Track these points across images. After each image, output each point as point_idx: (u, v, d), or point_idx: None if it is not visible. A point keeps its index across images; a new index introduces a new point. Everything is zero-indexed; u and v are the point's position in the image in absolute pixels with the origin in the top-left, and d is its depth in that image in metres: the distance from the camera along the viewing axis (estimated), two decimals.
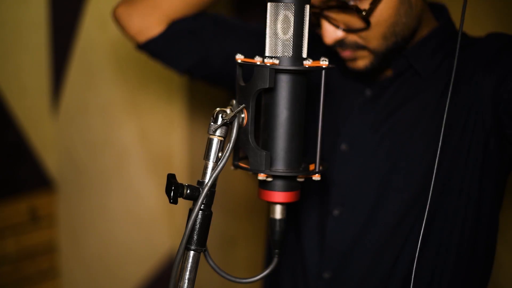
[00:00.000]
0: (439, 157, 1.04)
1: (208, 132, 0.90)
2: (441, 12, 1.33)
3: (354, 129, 1.30)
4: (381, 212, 1.27)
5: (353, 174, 1.30)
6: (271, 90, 0.95)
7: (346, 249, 1.29)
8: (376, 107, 1.29)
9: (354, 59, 1.23)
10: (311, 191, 1.34)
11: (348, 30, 1.17)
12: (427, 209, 1.04)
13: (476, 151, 1.21)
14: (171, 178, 0.92)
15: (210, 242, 0.97)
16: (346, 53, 1.22)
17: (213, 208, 0.94)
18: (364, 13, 1.12)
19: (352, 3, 1.12)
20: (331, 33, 1.17)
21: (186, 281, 0.89)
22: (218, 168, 0.89)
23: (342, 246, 1.29)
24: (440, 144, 1.03)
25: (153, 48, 1.42)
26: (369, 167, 1.28)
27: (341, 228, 1.30)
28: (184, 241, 0.87)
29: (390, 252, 1.26)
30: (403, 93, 1.28)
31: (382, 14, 1.15)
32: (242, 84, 0.96)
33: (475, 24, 1.62)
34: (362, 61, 1.23)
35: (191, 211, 0.89)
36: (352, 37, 1.18)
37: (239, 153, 1.03)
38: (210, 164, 0.91)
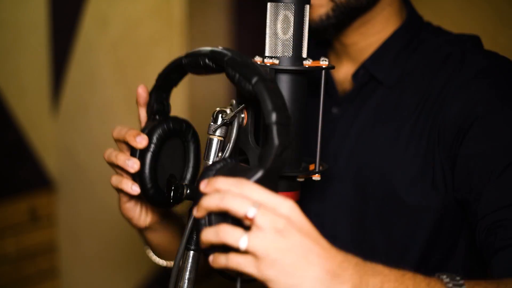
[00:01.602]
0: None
1: (208, 132, 0.90)
2: (406, 5, 1.22)
3: (325, 154, 1.17)
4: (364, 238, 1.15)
5: (329, 203, 1.18)
6: None
7: None
8: (341, 127, 1.18)
9: (318, 5, 1.11)
10: None
11: None
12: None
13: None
14: (171, 178, 0.92)
15: None
16: None
17: None
18: None
19: None
20: None
21: (186, 281, 0.89)
22: None
23: None
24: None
25: None
26: (343, 195, 1.17)
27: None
28: (184, 241, 0.87)
29: None
30: (368, 108, 1.17)
31: None
32: None
33: (475, 24, 1.62)
34: (318, 10, 1.11)
35: (191, 211, 0.89)
36: None
37: (239, 153, 1.03)
38: None
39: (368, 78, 1.18)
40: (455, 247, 1.12)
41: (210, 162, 0.90)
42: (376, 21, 1.18)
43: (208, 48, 0.88)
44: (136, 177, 0.95)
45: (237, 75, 0.81)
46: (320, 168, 0.99)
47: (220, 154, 0.90)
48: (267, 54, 0.95)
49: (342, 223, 1.17)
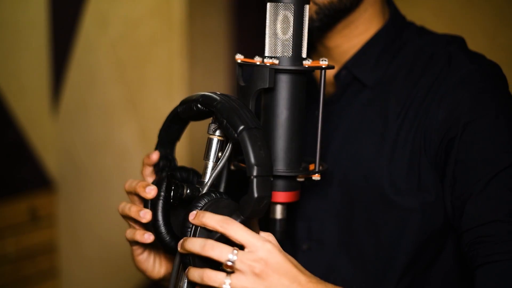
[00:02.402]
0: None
1: (208, 132, 0.90)
2: (389, 4, 1.20)
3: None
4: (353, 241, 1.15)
5: (316, 206, 1.17)
6: (271, 90, 0.95)
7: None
8: (326, 129, 1.14)
9: None
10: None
11: None
12: None
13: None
14: (171, 178, 0.92)
15: None
16: None
17: None
18: None
19: None
20: None
21: (186, 281, 0.89)
22: (218, 168, 0.90)
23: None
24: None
25: None
26: (329, 198, 1.16)
27: (312, 264, 1.14)
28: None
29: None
30: (353, 110, 1.16)
31: None
32: (242, 84, 0.96)
33: (475, 24, 1.62)
34: (314, 7, 1.09)
35: (190, 211, 0.89)
36: None
37: (239, 153, 1.03)
38: (210, 164, 0.91)
39: (351, 80, 1.16)
40: (443, 248, 1.12)
41: (210, 162, 0.91)
42: (359, 22, 1.16)
43: (199, 93, 0.89)
44: (150, 226, 0.93)
45: (224, 122, 0.85)
46: (320, 168, 0.99)
47: (220, 154, 0.91)
48: (267, 54, 0.95)
49: (329, 227, 1.16)
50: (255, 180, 0.81)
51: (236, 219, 0.83)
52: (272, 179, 0.85)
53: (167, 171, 0.93)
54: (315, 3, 1.08)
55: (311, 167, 1.01)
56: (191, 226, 0.84)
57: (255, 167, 0.81)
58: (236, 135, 0.83)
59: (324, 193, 1.16)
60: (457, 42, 1.15)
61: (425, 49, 1.14)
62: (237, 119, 0.83)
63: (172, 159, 1.00)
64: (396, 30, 1.17)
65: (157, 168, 0.99)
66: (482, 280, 0.94)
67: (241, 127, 0.83)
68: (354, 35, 1.17)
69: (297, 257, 1.17)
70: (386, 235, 1.11)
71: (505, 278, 0.93)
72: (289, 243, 1.21)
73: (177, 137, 0.99)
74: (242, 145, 0.82)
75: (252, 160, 0.81)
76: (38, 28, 2.29)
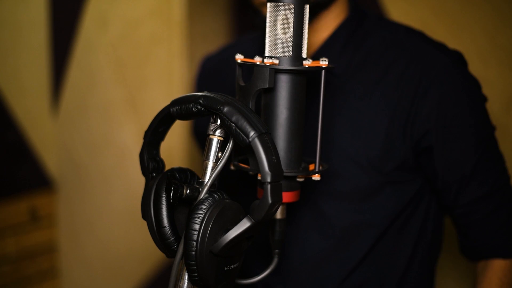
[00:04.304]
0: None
1: (207, 132, 0.90)
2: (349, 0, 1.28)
3: None
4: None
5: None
6: (271, 90, 0.95)
7: None
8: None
9: None
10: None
11: None
12: None
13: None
14: (171, 177, 0.92)
15: None
16: None
17: None
18: None
19: None
20: None
21: (186, 281, 0.89)
22: (218, 168, 0.89)
23: None
24: None
25: None
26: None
27: (288, 250, 1.24)
28: (184, 241, 0.87)
29: None
30: (322, 99, 1.20)
31: None
32: (242, 84, 0.96)
33: (475, 24, 1.62)
34: None
35: (190, 209, 0.89)
36: None
37: (239, 153, 1.03)
38: (210, 164, 0.91)
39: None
40: (415, 211, 1.26)
41: (210, 162, 0.91)
42: (328, 17, 1.23)
43: (197, 94, 0.89)
44: (152, 227, 0.91)
45: (233, 126, 0.85)
46: (320, 168, 0.99)
47: (220, 154, 0.91)
48: (267, 54, 0.95)
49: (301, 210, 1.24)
50: (269, 186, 0.83)
51: (247, 223, 0.84)
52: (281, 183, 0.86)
53: (168, 171, 0.93)
54: None
55: (311, 167, 1.01)
56: (197, 229, 0.84)
57: (270, 174, 0.83)
58: (248, 141, 0.84)
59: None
60: (417, 32, 1.27)
61: (388, 38, 1.23)
62: (248, 124, 0.84)
63: (160, 160, 0.99)
64: (357, 21, 1.25)
65: (147, 170, 0.98)
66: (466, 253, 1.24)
67: (253, 133, 0.84)
68: (323, 29, 1.24)
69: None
70: (368, 206, 1.23)
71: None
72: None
73: (162, 138, 0.98)
74: (255, 150, 0.83)
75: (266, 167, 0.83)
76: (38, 28, 2.29)
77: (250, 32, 1.56)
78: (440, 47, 1.23)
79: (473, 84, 1.21)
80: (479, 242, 1.22)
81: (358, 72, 1.21)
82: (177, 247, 0.89)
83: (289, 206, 1.06)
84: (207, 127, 0.90)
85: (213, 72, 1.47)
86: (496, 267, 1.21)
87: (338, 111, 1.21)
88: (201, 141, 1.50)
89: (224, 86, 1.34)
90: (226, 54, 1.46)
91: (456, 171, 1.19)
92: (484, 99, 1.22)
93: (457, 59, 1.22)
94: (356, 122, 1.20)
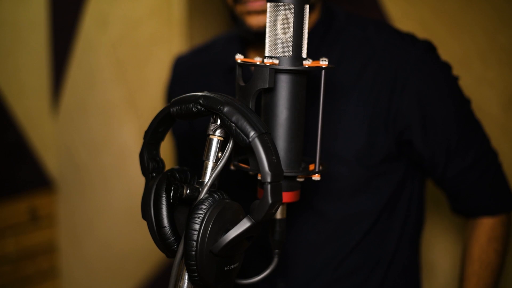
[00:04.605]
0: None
1: (207, 132, 0.90)
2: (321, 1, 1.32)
3: None
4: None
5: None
6: (271, 90, 0.95)
7: None
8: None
9: (263, 12, 1.19)
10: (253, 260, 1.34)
11: None
12: None
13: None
14: (171, 177, 0.91)
15: None
16: (255, 4, 1.18)
17: None
18: None
19: None
20: None
21: (186, 281, 0.89)
22: (218, 168, 0.89)
23: None
24: None
25: None
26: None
27: (286, 246, 1.30)
28: (184, 241, 0.87)
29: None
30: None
31: None
32: (242, 84, 0.96)
33: (475, 24, 1.62)
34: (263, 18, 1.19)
35: (191, 207, 0.89)
36: None
37: (239, 153, 1.03)
38: (210, 164, 0.91)
39: None
40: (401, 194, 1.33)
41: (210, 162, 0.91)
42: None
43: (197, 94, 0.89)
44: (157, 235, 0.91)
45: (233, 126, 0.85)
46: (320, 168, 0.99)
47: (220, 154, 0.91)
48: (267, 54, 0.95)
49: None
50: (269, 186, 0.83)
51: (247, 223, 0.84)
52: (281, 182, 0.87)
53: (168, 171, 0.93)
54: None
55: (311, 167, 1.01)
56: (197, 229, 0.84)
57: (270, 174, 0.83)
58: (248, 141, 0.84)
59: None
60: (386, 26, 1.33)
61: (359, 35, 1.28)
62: (248, 124, 0.84)
63: (160, 160, 0.99)
64: (328, 22, 1.29)
65: (147, 171, 0.98)
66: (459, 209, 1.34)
67: (253, 133, 0.84)
68: None
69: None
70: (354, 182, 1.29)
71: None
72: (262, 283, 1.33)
73: (161, 138, 0.98)
74: (255, 151, 0.83)
75: (266, 167, 0.83)
76: (38, 28, 2.29)
77: (225, 31, 1.56)
78: (410, 39, 1.28)
79: (446, 68, 1.28)
80: (468, 204, 1.31)
81: (335, 72, 1.26)
82: (177, 247, 0.89)
83: (288, 206, 1.06)
84: (207, 127, 0.90)
85: (184, 76, 1.47)
86: (484, 225, 1.30)
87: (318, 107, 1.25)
88: (179, 140, 1.52)
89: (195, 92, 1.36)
90: (199, 58, 1.47)
91: (441, 151, 1.26)
92: (456, 78, 1.30)
93: (428, 48, 1.27)
94: (339, 121, 1.25)
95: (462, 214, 1.35)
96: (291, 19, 0.93)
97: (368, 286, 1.33)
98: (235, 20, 1.26)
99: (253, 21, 1.21)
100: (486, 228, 1.31)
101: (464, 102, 1.30)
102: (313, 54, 1.21)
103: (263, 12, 1.19)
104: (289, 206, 1.25)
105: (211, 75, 1.41)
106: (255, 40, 1.26)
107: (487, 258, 1.29)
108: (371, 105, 1.24)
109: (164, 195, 0.89)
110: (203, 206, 0.85)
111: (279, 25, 0.94)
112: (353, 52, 1.27)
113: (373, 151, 1.25)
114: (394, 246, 1.34)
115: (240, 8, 1.22)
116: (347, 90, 1.25)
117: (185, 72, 1.48)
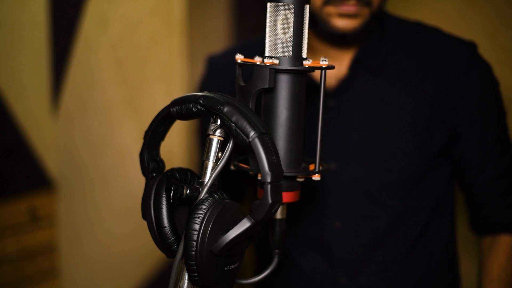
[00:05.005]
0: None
1: (207, 132, 0.90)
2: None
3: (340, 145, 1.35)
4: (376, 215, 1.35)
5: (343, 187, 1.35)
6: (271, 90, 0.95)
7: (357, 257, 1.36)
8: (343, 117, 1.34)
9: (355, 16, 1.24)
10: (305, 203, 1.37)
11: None
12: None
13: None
14: (171, 177, 0.91)
15: None
16: (351, 8, 1.23)
17: None
18: None
19: None
20: None
21: (186, 281, 0.89)
22: (218, 168, 0.89)
23: (353, 255, 1.36)
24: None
25: None
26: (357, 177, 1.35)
27: (348, 239, 1.35)
28: (184, 241, 0.87)
29: (399, 243, 1.36)
30: (363, 96, 1.33)
31: None
32: (242, 84, 0.96)
33: (475, 24, 1.62)
34: (357, 21, 1.25)
35: (190, 209, 0.89)
36: None
37: (239, 153, 1.03)
38: (210, 164, 0.91)
39: (357, 68, 1.33)
40: (448, 190, 1.40)
41: (210, 162, 0.91)
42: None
43: (197, 94, 0.89)
44: (157, 235, 0.91)
45: (233, 126, 0.85)
46: (320, 168, 0.99)
47: (220, 154, 0.91)
48: (267, 54, 0.95)
49: (353, 199, 1.34)
50: (269, 186, 0.83)
51: (247, 223, 0.84)
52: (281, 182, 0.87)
53: (168, 171, 0.93)
54: (370, 12, 1.26)
55: (311, 167, 1.01)
56: (197, 229, 0.84)
57: (270, 174, 0.83)
58: (248, 141, 0.84)
59: (350, 171, 1.35)
60: (437, 29, 1.38)
61: (414, 38, 1.34)
62: (248, 124, 0.84)
63: (160, 160, 0.99)
64: (377, 20, 1.33)
65: (147, 170, 0.98)
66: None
67: (253, 133, 0.84)
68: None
69: (330, 235, 1.36)
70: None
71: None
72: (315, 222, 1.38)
73: (162, 138, 0.98)
74: (255, 151, 0.84)
75: (266, 167, 0.83)
76: (38, 28, 2.29)
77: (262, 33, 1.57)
78: (461, 41, 1.36)
79: (491, 70, 1.35)
80: (490, 219, 1.33)
81: (394, 69, 1.32)
82: (177, 247, 0.89)
83: (290, 205, 1.07)
84: (207, 127, 0.90)
85: (221, 75, 1.47)
86: (503, 242, 1.32)
87: (382, 103, 1.32)
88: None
89: (233, 90, 1.37)
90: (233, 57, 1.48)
91: (479, 152, 1.31)
92: (498, 83, 1.36)
93: (476, 49, 1.35)
94: (402, 114, 1.31)
95: (481, 231, 1.37)
96: (291, 19, 0.93)
97: (427, 280, 1.37)
98: (316, 20, 1.28)
99: (341, 23, 1.25)
100: (506, 246, 1.32)
101: (503, 109, 1.35)
102: (374, 48, 1.32)
103: (355, 16, 1.24)
104: (347, 201, 1.32)
105: None
106: (337, 42, 1.31)
107: (507, 277, 1.30)
108: (431, 100, 1.29)
109: (164, 195, 0.89)
110: (203, 206, 0.85)
111: (279, 25, 0.94)
112: (412, 52, 1.33)
113: (432, 142, 1.30)
114: (446, 239, 1.39)
115: (330, 10, 1.25)
116: (408, 85, 1.31)
117: (221, 71, 1.48)
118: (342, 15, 1.25)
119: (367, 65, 1.32)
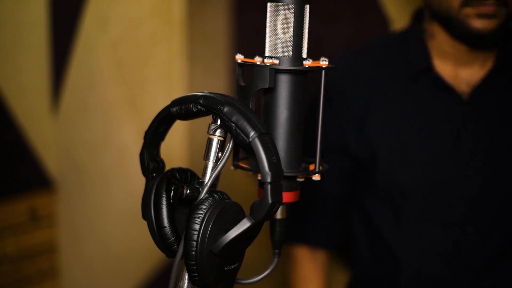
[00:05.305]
0: None
1: (208, 132, 0.90)
2: None
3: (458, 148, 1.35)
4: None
5: (474, 194, 1.35)
6: (271, 90, 0.95)
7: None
8: (476, 123, 1.35)
9: (493, 17, 1.24)
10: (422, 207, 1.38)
11: None
12: None
13: None
14: (171, 177, 0.91)
15: None
16: (489, 8, 1.23)
17: None
18: None
19: None
20: None
21: (186, 281, 0.89)
22: (218, 168, 0.89)
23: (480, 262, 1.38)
24: None
25: None
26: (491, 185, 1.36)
27: (479, 247, 1.36)
28: (184, 241, 0.87)
29: None
30: (501, 104, 1.35)
31: None
32: (242, 84, 0.96)
33: None
34: (495, 21, 1.24)
35: (190, 208, 0.89)
36: None
37: (239, 153, 1.03)
38: (210, 164, 0.91)
39: (497, 74, 1.34)
40: None
41: (210, 162, 0.91)
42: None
43: (197, 94, 0.89)
44: (153, 227, 0.91)
45: (233, 126, 0.85)
46: (320, 168, 0.99)
47: (220, 154, 0.91)
48: (267, 54, 0.95)
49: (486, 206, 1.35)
50: (269, 186, 0.83)
51: (247, 223, 0.84)
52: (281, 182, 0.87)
53: (168, 171, 0.93)
54: (507, 13, 1.26)
55: (311, 167, 1.01)
56: (198, 229, 0.84)
57: (270, 174, 0.83)
58: (248, 141, 0.84)
59: (474, 179, 1.35)
60: None
61: None
62: (248, 124, 0.84)
63: (160, 160, 0.99)
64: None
65: (147, 171, 0.98)
66: None
67: (253, 133, 0.84)
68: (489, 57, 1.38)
69: (461, 242, 1.37)
70: None
71: None
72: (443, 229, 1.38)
73: (162, 138, 0.98)
74: (255, 151, 0.83)
75: (266, 167, 0.83)
76: (38, 28, 2.29)
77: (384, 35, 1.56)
78: None
79: None
80: None
81: None
82: (177, 247, 0.89)
83: (290, 206, 1.07)
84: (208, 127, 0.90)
85: (339, 78, 1.46)
86: None
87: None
88: None
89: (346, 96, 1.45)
90: (363, 60, 1.47)
91: None
92: None
93: None
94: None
95: None
96: (291, 19, 0.93)
97: None
98: (453, 23, 1.28)
99: (480, 23, 1.24)
100: None
101: None
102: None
103: (493, 16, 1.24)
104: (447, 208, 1.33)
105: (388, 78, 1.42)
106: (474, 45, 1.31)
107: None
108: None
109: (164, 195, 0.89)
110: (203, 206, 0.85)
111: (279, 25, 0.94)
112: None
113: None
114: None
115: (468, 11, 1.25)
116: None
117: (339, 75, 1.46)
118: (480, 16, 1.24)
119: (508, 72, 1.34)
